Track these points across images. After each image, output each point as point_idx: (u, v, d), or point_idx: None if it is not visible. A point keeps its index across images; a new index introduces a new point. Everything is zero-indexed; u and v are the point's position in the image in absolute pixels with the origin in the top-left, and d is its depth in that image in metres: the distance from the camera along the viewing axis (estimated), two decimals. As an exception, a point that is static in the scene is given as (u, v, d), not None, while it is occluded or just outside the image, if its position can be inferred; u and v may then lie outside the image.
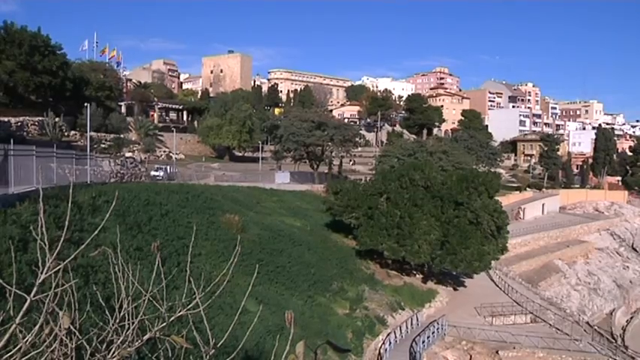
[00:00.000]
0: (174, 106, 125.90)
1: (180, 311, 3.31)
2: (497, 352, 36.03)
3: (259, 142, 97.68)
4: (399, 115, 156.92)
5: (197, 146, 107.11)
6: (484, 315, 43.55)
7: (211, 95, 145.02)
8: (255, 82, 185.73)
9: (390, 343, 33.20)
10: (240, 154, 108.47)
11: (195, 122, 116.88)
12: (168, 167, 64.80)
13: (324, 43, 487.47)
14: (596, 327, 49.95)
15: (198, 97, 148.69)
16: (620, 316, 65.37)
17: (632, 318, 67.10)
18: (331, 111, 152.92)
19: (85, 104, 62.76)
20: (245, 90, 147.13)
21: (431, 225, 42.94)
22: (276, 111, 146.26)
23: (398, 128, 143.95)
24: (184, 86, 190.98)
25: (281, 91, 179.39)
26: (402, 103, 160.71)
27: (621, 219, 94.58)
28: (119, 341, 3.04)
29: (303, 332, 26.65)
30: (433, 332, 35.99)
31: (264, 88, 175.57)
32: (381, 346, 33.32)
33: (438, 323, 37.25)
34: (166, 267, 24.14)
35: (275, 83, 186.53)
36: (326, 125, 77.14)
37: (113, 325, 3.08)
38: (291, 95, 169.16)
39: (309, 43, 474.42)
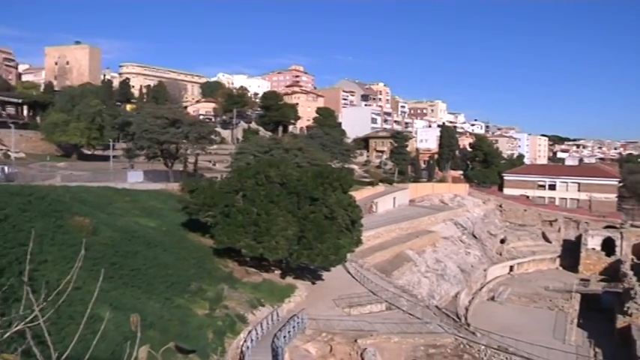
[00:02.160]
0: (12, 100, 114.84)
1: (17, 325, 3.02)
2: (355, 340, 37.38)
3: (110, 139, 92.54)
4: (255, 112, 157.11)
5: (40, 144, 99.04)
6: (342, 306, 44.99)
7: (56, 89, 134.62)
8: (105, 76, 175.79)
9: (252, 340, 33.21)
10: (90, 153, 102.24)
11: (38, 118, 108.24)
12: (5, 167, 59.78)
13: (178, 38, 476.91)
14: (443, 309, 53.64)
15: (41, 90, 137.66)
16: (463, 297, 70.91)
17: (473, 298, 73.19)
18: (186, 107, 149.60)
19: None
20: (94, 84, 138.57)
21: (287, 221, 43.48)
22: (128, 107, 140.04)
23: (254, 125, 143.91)
24: (24, 78, 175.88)
25: (133, 87, 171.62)
26: (257, 100, 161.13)
27: (463, 209, 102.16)
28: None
29: (163, 336, 25.85)
30: (294, 326, 36.49)
31: (115, 83, 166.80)
32: (242, 344, 33.25)
33: (298, 317, 37.86)
34: (5, 277, 22.22)
35: (127, 78, 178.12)
36: (181, 122, 75.09)
37: None
38: (144, 91, 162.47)
39: (163, 38, 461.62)
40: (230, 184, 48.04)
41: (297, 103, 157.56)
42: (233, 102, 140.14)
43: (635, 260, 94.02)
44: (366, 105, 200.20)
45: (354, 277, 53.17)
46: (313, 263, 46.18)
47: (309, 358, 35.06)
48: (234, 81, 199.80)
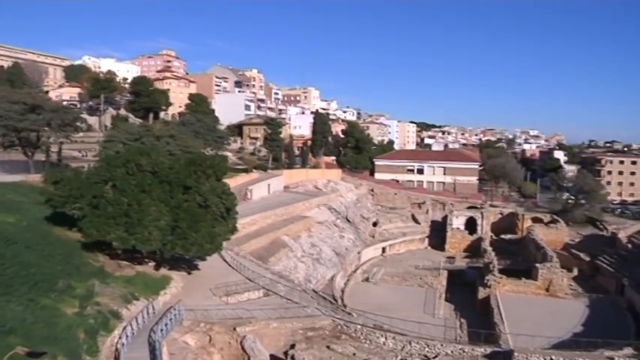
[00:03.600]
0: None
1: None
2: (235, 328, 37.16)
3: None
4: (124, 98, 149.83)
5: None
6: (220, 295, 44.52)
7: None
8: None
9: (127, 336, 31.86)
10: None
11: None
12: None
13: (37, 17, 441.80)
14: (320, 293, 54.81)
15: None
16: (339, 280, 72.86)
17: (348, 280, 75.44)
18: (47, 92, 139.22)
19: None
20: None
21: (160, 211, 42.16)
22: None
23: (123, 112, 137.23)
24: None
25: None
26: (127, 85, 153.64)
27: (337, 194, 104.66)
28: None
29: (26, 341, 24.13)
30: (171, 319, 35.51)
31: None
32: (117, 342, 31.79)
33: (174, 309, 36.91)
34: None
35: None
36: (42, 108, 69.91)
37: None
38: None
39: (19, 15, 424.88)
40: (98, 173, 45.50)
41: (168, 89, 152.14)
42: (100, 87, 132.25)
43: (494, 237, 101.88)
44: (239, 91, 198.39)
45: (230, 265, 52.83)
46: (188, 253, 45.13)
47: (188, 350, 34.31)
48: (101, 65, 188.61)
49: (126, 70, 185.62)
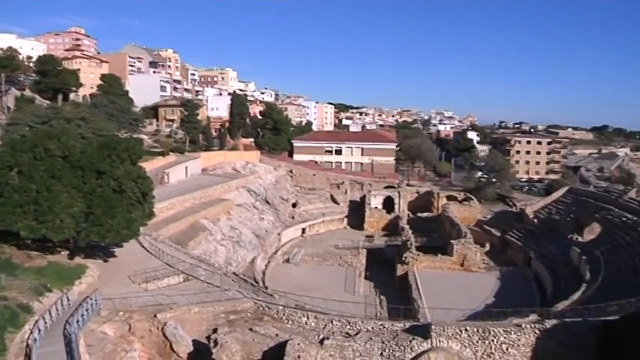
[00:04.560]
0: None
1: None
2: (155, 315, 36.36)
3: None
4: (29, 78, 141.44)
5: None
6: (138, 282, 43.36)
7: None
8: None
9: (40, 330, 30.38)
10: None
11: None
12: None
13: None
14: (241, 275, 54.65)
15: None
16: (260, 262, 72.86)
17: (269, 262, 75.65)
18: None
19: None
20: None
21: (72, 197, 40.42)
22: None
23: (28, 93, 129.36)
24: None
25: None
26: (32, 64, 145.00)
27: (255, 176, 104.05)
28: None
29: None
30: (87, 309, 34.16)
31: None
32: (28, 337, 30.26)
33: (91, 299, 35.55)
34: None
35: None
36: None
37: None
38: None
39: None
40: (2, 159, 42.85)
41: (78, 69, 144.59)
42: (1, 65, 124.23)
43: (411, 215, 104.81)
44: (154, 72, 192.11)
45: (148, 251, 51.48)
46: (104, 240, 43.58)
47: (107, 340, 33.24)
48: (2, 41, 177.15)
49: (30, 48, 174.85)
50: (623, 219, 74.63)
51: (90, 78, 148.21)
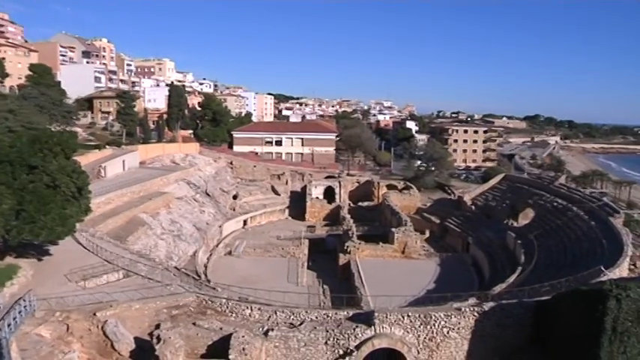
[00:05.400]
0: None
1: None
2: (95, 314, 35.40)
3: None
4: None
5: None
6: (76, 280, 42.05)
7: None
8: None
9: (-35, 336, 28.97)
10: None
11: None
12: None
13: None
14: (183, 269, 53.89)
15: None
16: (201, 255, 72.03)
17: (211, 255, 74.94)
18: None
19: None
20: None
21: (1, 194, 38.65)
22: None
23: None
24: None
25: None
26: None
27: (195, 168, 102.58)
28: None
29: None
30: (20, 312, 32.69)
31: None
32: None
33: (24, 300, 34.04)
34: None
35: None
36: None
37: None
38: None
39: None
40: None
41: (3, 58, 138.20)
42: None
43: (352, 205, 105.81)
44: (88, 62, 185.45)
45: (86, 248, 49.94)
46: (38, 238, 41.87)
47: (42, 343, 32.00)
48: None
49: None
50: (554, 204, 77.71)
51: (17, 68, 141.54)
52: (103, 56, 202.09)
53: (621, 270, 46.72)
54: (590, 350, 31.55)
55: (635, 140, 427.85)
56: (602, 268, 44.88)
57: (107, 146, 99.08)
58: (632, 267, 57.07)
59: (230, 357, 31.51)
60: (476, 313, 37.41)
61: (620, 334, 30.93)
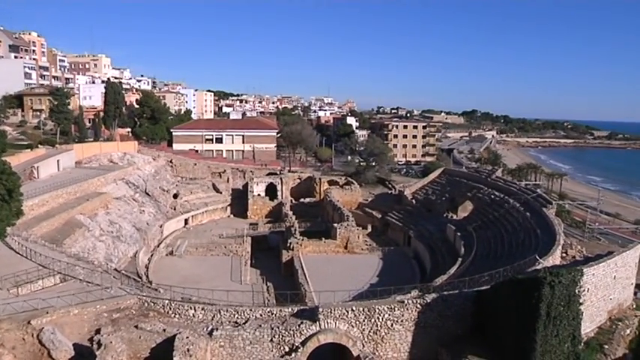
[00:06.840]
0: None
1: None
2: (29, 322, 33.96)
3: None
4: None
5: None
6: (7, 287, 40.33)
7: None
8: None
9: None
10: None
11: None
12: None
13: None
14: (123, 271, 52.71)
15: None
16: (142, 256, 70.55)
17: (152, 256, 73.54)
18: None
19: None
20: None
21: None
22: None
23: None
24: None
25: None
26: None
27: (134, 167, 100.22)
28: None
29: None
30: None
31: None
32: None
33: (-49, 309, 32.56)
34: None
35: None
36: None
37: None
38: None
39: None
40: None
41: None
42: None
43: (294, 201, 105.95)
44: (16, 57, 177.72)
45: (18, 253, 47.98)
46: (-35, 244, 40.10)
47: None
48: None
49: None
50: (492, 196, 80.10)
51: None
52: (33, 51, 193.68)
53: (554, 258, 48.85)
54: (527, 335, 32.89)
55: (565, 134, 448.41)
56: (537, 257, 46.75)
57: (40, 146, 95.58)
58: (564, 255, 59.79)
59: (174, 359, 31.02)
60: (418, 305, 38.18)
61: (554, 319, 32.57)
